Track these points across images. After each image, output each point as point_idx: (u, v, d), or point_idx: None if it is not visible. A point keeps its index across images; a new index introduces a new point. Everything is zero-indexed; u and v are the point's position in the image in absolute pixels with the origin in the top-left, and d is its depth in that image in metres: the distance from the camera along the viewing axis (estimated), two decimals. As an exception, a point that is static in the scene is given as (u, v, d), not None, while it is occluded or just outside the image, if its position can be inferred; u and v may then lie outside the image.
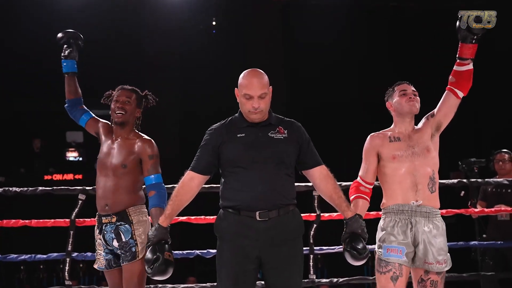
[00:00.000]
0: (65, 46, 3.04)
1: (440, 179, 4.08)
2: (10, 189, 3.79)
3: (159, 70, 7.58)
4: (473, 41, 2.61)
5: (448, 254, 2.63)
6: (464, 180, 4.18)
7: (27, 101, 8.20)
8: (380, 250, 2.62)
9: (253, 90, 2.38)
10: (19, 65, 7.39)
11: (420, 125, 2.73)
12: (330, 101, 8.11)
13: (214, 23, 8.03)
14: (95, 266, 2.92)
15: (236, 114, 2.48)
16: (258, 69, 2.45)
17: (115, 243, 2.81)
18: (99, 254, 2.87)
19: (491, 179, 4.39)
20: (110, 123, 2.95)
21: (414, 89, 2.71)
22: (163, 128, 7.46)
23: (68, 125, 8.47)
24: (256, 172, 2.35)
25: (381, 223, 2.68)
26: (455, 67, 2.68)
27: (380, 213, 2.73)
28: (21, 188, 3.80)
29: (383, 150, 2.66)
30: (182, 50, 7.86)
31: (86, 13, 7.08)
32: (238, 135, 2.40)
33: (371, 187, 2.70)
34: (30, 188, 3.81)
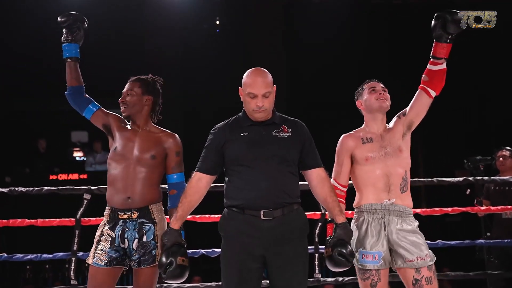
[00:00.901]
0: (68, 29, 2.80)
1: (445, 177, 4.12)
2: (16, 189, 3.80)
3: (161, 70, 7.58)
4: (448, 41, 2.60)
5: (430, 250, 2.60)
6: (470, 178, 4.16)
7: (32, 101, 8.22)
8: (356, 254, 2.59)
9: (257, 89, 2.38)
10: (23, 65, 7.41)
11: (391, 124, 2.72)
12: (331, 100, 8.10)
13: (218, 22, 8.03)
14: (90, 260, 2.68)
15: (240, 113, 2.49)
16: (262, 68, 2.46)
17: (135, 244, 2.64)
18: (101, 250, 2.66)
19: (497, 177, 4.38)
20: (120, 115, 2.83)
21: (383, 86, 2.70)
22: (164, 127, 7.46)
23: (73, 124, 8.54)
24: (260, 170, 2.35)
25: (353, 222, 2.66)
26: (428, 66, 2.67)
27: (352, 212, 2.71)
28: (27, 188, 3.80)
29: (357, 152, 2.65)
30: (184, 50, 7.87)
31: (88, 12, 7.07)
32: (242, 134, 2.41)
33: (346, 189, 2.69)
34: (36, 188, 3.81)
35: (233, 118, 2.50)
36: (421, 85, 2.68)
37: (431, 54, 2.66)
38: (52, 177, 7.82)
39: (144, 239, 2.64)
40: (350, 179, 2.73)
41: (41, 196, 3.90)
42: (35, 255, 3.78)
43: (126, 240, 2.65)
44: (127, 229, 2.65)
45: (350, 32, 7.92)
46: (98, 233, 2.72)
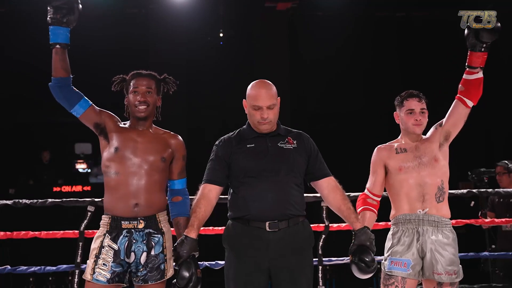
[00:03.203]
0: (59, 9, 2.38)
1: (449, 189, 4.10)
2: (20, 201, 3.81)
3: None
4: (482, 49, 2.58)
5: (460, 266, 2.60)
6: (474, 190, 4.16)
7: (36, 113, 8.25)
8: (385, 262, 2.61)
9: (261, 101, 2.39)
10: (27, 76, 7.45)
11: (428, 134, 2.70)
12: (336, 111, 8.12)
13: (221, 35, 8.07)
14: (88, 276, 2.37)
15: (244, 126, 2.49)
16: (266, 80, 2.46)
17: (143, 258, 2.38)
18: (103, 264, 2.36)
19: (501, 189, 4.37)
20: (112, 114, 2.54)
21: (423, 107, 2.65)
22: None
23: (77, 136, 8.57)
24: (266, 181, 2.35)
25: (389, 233, 2.68)
26: (464, 76, 2.64)
27: (389, 223, 2.72)
28: (31, 200, 3.81)
29: (390, 162, 2.65)
30: (187, 62, 7.88)
31: (94, 24, 7.12)
32: (248, 146, 2.41)
33: (379, 199, 2.68)
34: (40, 200, 3.82)
35: (237, 130, 2.49)
36: (457, 95, 2.66)
37: (466, 64, 2.63)
38: (56, 189, 7.82)
39: (153, 252, 2.40)
40: (385, 190, 2.72)
41: (45, 208, 3.91)
42: (38, 267, 3.77)
43: (133, 253, 2.38)
44: (134, 241, 2.38)
45: (357, 43, 7.95)
46: (96, 245, 2.41)
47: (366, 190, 2.70)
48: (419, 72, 7.76)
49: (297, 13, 8.00)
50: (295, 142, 2.44)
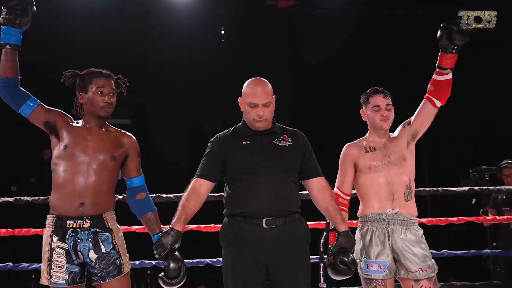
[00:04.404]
0: (12, 10, 2.37)
1: (451, 186, 4.13)
2: (22, 198, 3.81)
3: (165, 81, 7.61)
4: (454, 51, 2.60)
5: (433, 260, 2.61)
6: (475, 188, 4.16)
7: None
8: (360, 263, 2.62)
9: (257, 99, 2.40)
10: (25, 77, 7.44)
11: (396, 133, 2.72)
12: (336, 111, 8.12)
13: (223, 32, 8.07)
14: (45, 281, 2.38)
15: (240, 124, 2.50)
16: (262, 78, 2.48)
17: (92, 255, 2.36)
18: (58, 267, 2.35)
19: (503, 187, 4.37)
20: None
21: (388, 103, 2.67)
22: (171, 140, 7.48)
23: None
24: (263, 179, 2.36)
25: (357, 232, 2.68)
26: (434, 76, 2.67)
27: (356, 221, 2.72)
28: (32, 198, 3.82)
29: (360, 161, 2.66)
30: (188, 60, 7.89)
31: (94, 24, 7.13)
32: (244, 143, 2.42)
33: (349, 198, 2.70)
34: (41, 197, 3.82)
35: (233, 128, 2.50)
36: (426, 95, 2.69)
37: (436, 64, 2.66)
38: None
39: (103, 249, 2.37)
40: (353, 188, 2.74)
41: (47, 205, 3.90)
42: (40, 264, 3.77)
43: (79, 253, 2.36)
44: (79, 241, 2.36)
45: (354, 44, 7.95)
46: (46, 248, 2.39)
47: (336, 189, 2.69)
48: (419, 71, 7.75)
49: (297, 11, 8.00)
50: (290, 140, 2.45)
